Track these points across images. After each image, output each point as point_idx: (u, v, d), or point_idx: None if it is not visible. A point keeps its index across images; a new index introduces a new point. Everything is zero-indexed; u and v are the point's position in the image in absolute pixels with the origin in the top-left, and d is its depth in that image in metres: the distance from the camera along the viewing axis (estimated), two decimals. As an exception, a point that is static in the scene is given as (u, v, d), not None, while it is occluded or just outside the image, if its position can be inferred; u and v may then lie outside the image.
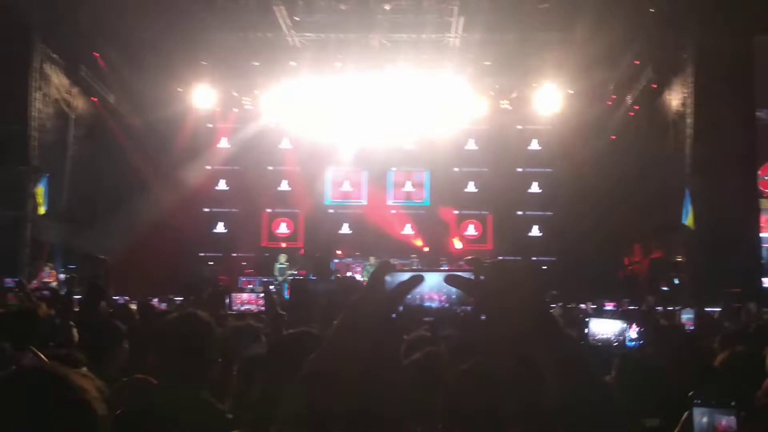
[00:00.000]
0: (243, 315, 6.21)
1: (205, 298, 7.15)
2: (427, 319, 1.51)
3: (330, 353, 1.36)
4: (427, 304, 1.45)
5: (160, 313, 7.54)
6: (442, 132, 19.27)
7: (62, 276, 15.81)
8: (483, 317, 1.36)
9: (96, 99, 17.69)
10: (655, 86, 16.91)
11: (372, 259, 17.11)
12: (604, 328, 3.90)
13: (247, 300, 6.63)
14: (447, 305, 1.44)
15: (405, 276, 1.40)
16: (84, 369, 3.06)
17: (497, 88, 18.77)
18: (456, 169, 20.14)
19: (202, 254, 19.53)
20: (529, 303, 1.30)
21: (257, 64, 17.91)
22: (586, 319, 4.21)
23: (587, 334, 3.90)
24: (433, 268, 1.66)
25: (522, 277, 1.32)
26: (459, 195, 20.00)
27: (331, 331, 1.38)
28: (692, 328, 6.11)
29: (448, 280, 1.38)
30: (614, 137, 18.51)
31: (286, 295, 16.30)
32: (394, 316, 1.39)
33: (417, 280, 1.42)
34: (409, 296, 1.41)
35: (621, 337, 3.82)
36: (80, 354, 3.52)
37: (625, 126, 18.15)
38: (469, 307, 1.41)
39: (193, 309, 3.54)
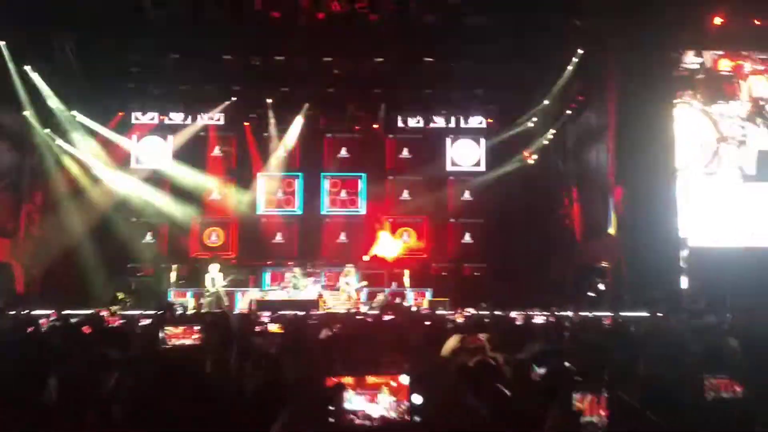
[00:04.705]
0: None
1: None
2: None
3: None
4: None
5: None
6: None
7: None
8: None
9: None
10: (580, 99, 17.56)
11: (297, 270, 17.13)
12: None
13: (182, 334, 5.92)
14: None
15: None
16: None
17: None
18: (390, 177, 20.36)
19: (130, 265, 18.98)
20: None
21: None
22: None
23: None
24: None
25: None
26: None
27: None
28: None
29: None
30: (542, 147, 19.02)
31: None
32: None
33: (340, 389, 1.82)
34: None
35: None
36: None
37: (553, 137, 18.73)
38: None
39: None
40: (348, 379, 2.08)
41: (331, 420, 1.93)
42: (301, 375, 3.51)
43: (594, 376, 3.98)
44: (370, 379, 2.03)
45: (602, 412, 3.18)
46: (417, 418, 1.92)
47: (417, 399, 2.07)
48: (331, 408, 1.94)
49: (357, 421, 1.94)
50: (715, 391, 3.87)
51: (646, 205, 15.36)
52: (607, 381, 3.79)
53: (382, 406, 1.97)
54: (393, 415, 1.91)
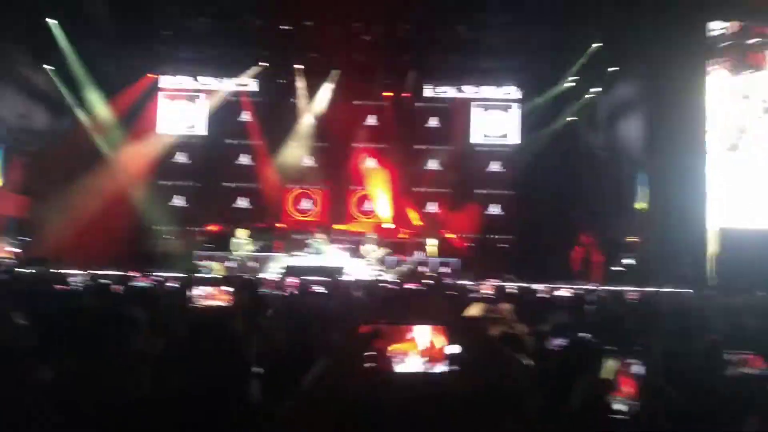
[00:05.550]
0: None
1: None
2: None
3: None
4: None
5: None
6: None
7: (13, 249, 15.61)
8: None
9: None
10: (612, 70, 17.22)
11: (321, 236, 17.18)
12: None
13: (212, 295, 5.97)
14: None
15: None
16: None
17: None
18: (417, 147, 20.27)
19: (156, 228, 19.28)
20: None
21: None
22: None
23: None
24: None
25: None
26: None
27: None
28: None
29: None
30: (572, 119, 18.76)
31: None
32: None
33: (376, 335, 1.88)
34: None
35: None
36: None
37: (582, 109, 18.43)
38: None
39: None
40: (382, 329, 2.06)
41: (369, 364, 1.94)
42: (334, 328, 3.54)
43: (616, 350, 3.95)
44: (404, 337, 2.02)
45: (629, 389, 3.15)
46: (454, 368, 1.93)
47: (453, 349, 2.06)
48: (368, 353, 1.95)
49: (396, 366, 1.94)
50: (738, 366, 3.84)
51: (676, 180, 15.11)
52: (629, 355, 3.77)
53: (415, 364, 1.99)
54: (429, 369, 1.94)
